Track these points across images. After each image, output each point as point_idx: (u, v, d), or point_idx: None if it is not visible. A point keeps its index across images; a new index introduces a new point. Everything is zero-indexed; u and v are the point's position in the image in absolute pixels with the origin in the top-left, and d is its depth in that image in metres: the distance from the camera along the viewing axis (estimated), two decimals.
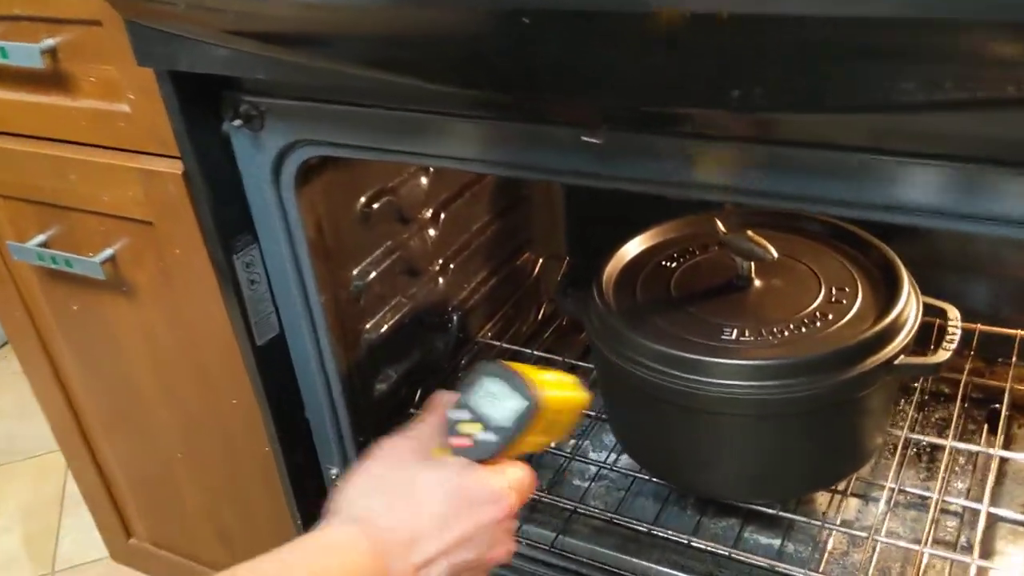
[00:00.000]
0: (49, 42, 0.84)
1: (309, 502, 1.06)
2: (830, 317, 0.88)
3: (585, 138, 0.65)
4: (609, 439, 1.10)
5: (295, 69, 0.71)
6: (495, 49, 0.57)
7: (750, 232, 0.91)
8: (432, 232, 1.08)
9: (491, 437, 0.65)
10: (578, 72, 0.56)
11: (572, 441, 1.12)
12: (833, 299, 0.90)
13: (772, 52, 0.50)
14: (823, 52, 0.50)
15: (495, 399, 0.66)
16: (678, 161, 0.64)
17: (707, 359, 0.83)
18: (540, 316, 1.32)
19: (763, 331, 0.87)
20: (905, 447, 1.01)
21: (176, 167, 0.84)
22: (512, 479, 0.67)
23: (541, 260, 1.31)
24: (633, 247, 1.01)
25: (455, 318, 1.15)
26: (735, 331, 0.87)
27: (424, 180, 1.05)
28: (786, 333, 0.86)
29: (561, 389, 0.68)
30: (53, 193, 0.94)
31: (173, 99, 0.79)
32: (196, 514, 1.20)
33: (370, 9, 0.61)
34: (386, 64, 0.66)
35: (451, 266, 1.13)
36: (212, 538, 1.21)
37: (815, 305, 0.89)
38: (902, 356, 0.84)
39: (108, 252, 0.95)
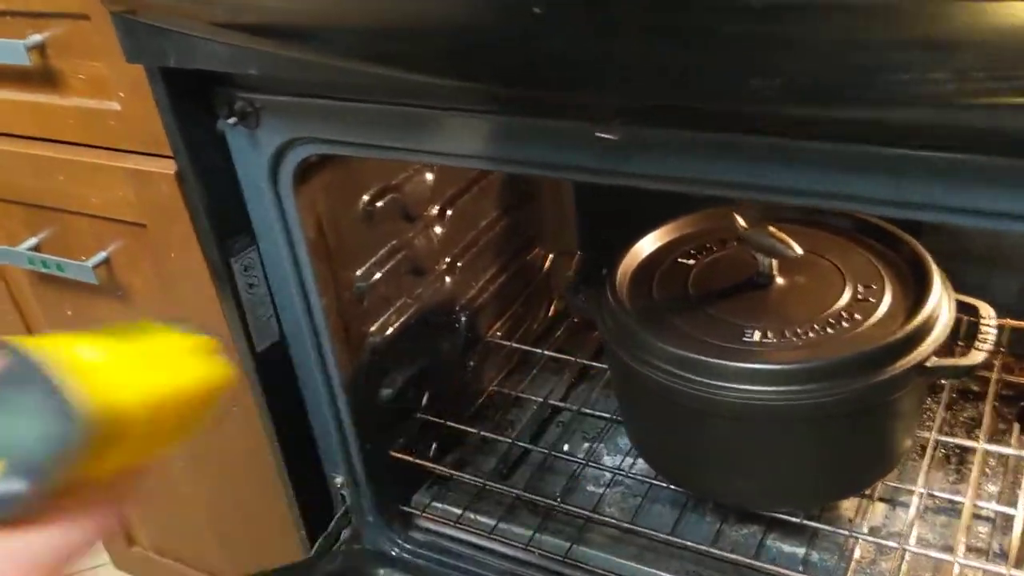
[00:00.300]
0: (36, 38, 0.80)
1: (313, 510, 1.03)
2: (857, 317, 0.83)
3: (599, 134, 0.61)
4: (624, 442, 1.06)
5: (290, 64, 0.67)
6: (502, 42, 0.53)
7: (771, 227, 0.87)
8: (438, 230, 1.04)
9: (13, 486, 0.38)
10: (591, 65, 0.52)
11: (585, 445, 1.08)
12: (860, 297, 0.86)
13: (799, 43, 0.46)
14: (851, 42, 0.46)
15: (12, 415, 0.39)
16: (698, 157, 0.60)
17: (729, 363, 0.79)
18: (551, 313, 1.28)
19: (786, 332, 0.83)
20: (933, 448, 0.97)
21: (169, 167, 0.81)
22: (28, 553, 0.39)
23: (551, 256, 1.27)
24: (648, 243, 0.97)
25: (463, 318, 1.11)
26: (757, 332, 0.83)
27: (429, 176, 1.00)
28: (811, 334, 0.82)
29: (154, 378, 0.44)
30: (42, 195, 0.91)
31: (165, 96, 0.75)
32: (198, 522, 1.17)
33: (376, 3, 0.57)
34: (385, 58, 0.62)
35: (458, 264, 1.09)
36: (215, 546, 1.18)
37: (841, 304, 0.85)
38: (934, 357, 0.80)
39: (101, 256, 0.91)
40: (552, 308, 1.28)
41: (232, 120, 0.77)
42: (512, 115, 0.66)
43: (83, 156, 0.85)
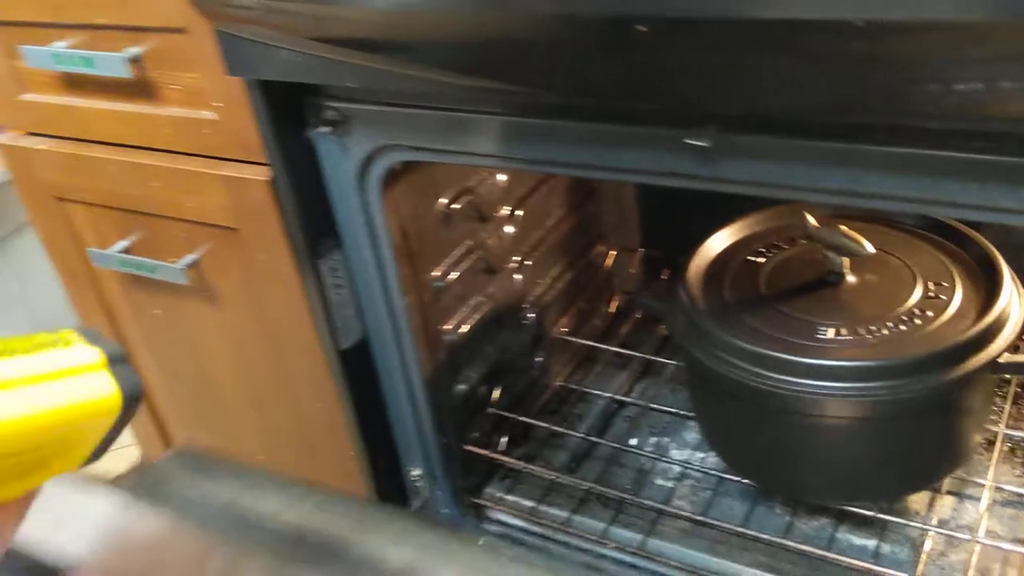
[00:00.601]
0: (133, 51, 0.84)
1: (390, 501, 1.06)
2: (929, 314, 0.85)
3: (690, 141, 0.64)
4: (691, 436, 1.09)
5: (385, 76, 0.70)
6: (604, 58, 0.56)
7: (843, 226, 0.89)
8: (509, 229, 1.07)
9: None
10: (691, 79, 0.54)
11: (652, 439, 1.10)
12: (931, 295, 0.87)
13: (902, 58, 0.49)
14: (952, 58, 0.48)
15: None
16: (790, 162, 0.62)
17: (804, 360, 0.81)
18: (613, 309, 1.30)
19: (859, 330, 0.84)
20: (1001, 442, 0.98)
21: (262, 173, 0.84)
22: None
23: (613, 253, 1.29)
24: (717, 242, 0.99)
25: (531, 315, 1.14)
26: (830, 330, 0.85)
27: (502, 178, 1.03)
28: (884, 332, 0.84)
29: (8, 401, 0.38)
30: (136, 200, 0.94)
31: (263, 107, 0.78)
32: None
33: (475, 18, 0.59)
34: (483, 71, 0.65)
35: (527, 263, 1.12)
36: None
37: (912, 302, 0.87)
38: (1007, 354, 0.81)
39: (191, 258, 0.95)
40: (615, 304, 1.31)
41: (324, 129, 0.81)
42: (602, 123, 0.68)
43: (178, 163, 0.89)
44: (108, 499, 0.39)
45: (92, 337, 0.44)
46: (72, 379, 0.41)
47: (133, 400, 0.43)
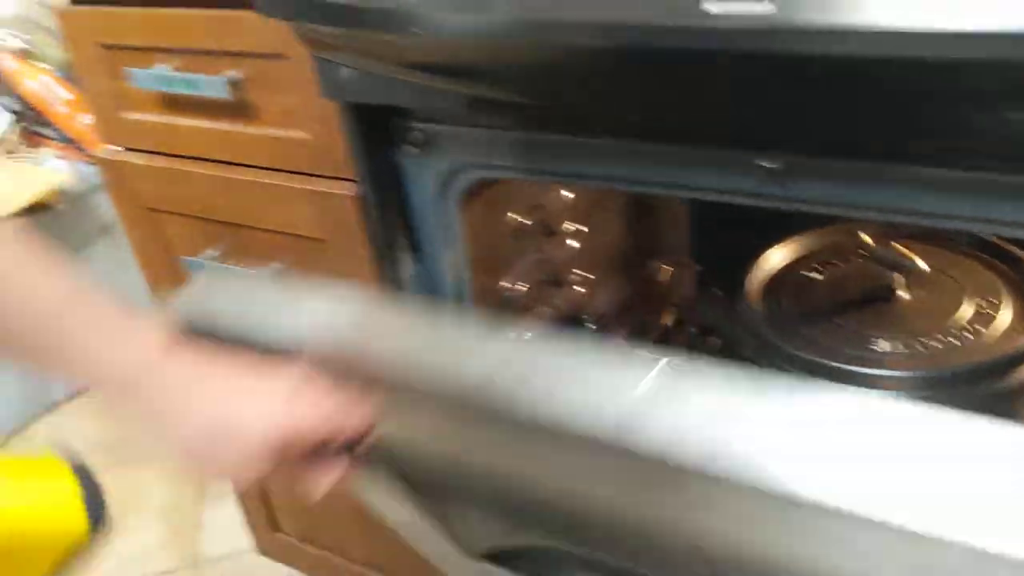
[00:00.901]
0: (234, 74, 0.90)
1: None
2: (979, 329, 0.89)
3: (760, 162, 0.69)
4: None
5: (468, 100, 0.76)
6: (691, 88, 0.61)
7: (897, 244, 0.93)
8: (573, 243, 1.12)
9: None
10: (769, 108, 0.60)
11: None
12: (981, 310, 0.92)
13: (963, 91, 0.53)
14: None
15: None
16: (854, 183, 0.67)
17: (860, 370, 0.86)
18: (669, 323, 1.35)
19: (912, 342, 0.89)
20: None
21: (349, 189, 0.90)
22: None
23: (668, 268, 1.34)
24: (775, 257, 1.04)
25: (592, 326, 1.19)
26: (884, 342, 0.89)
27: (567, 194, 1.09)
28: (935, 344, 0.88)
29: None
30: (227, 212, 1.01)
31: (353, 128, 0.84)
32: (345, 512, 1.26)
33: (558, 48, 0.65)
34: (567, 97, 0.70)
35: (589, 275, 1.17)
36: (359, 535, 1.27)
37: (963, 317, 0.91)
38: None
39: (277, 266, 1.01)
40: (669, 318, 1.35)
41: (410, 149, 0.86)
42: (676, 144, 0.73)
43: (269, 178, 0.95)
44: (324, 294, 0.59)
45: (70, 457, 0.44)
46: (45, 512, 0.40)
47: (99, 523, 0.43)
